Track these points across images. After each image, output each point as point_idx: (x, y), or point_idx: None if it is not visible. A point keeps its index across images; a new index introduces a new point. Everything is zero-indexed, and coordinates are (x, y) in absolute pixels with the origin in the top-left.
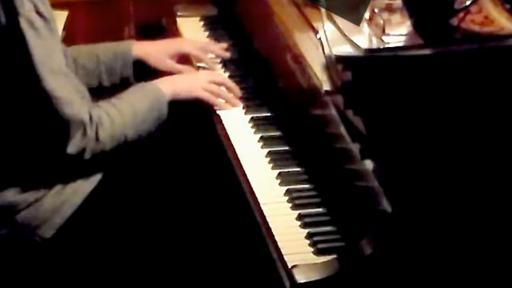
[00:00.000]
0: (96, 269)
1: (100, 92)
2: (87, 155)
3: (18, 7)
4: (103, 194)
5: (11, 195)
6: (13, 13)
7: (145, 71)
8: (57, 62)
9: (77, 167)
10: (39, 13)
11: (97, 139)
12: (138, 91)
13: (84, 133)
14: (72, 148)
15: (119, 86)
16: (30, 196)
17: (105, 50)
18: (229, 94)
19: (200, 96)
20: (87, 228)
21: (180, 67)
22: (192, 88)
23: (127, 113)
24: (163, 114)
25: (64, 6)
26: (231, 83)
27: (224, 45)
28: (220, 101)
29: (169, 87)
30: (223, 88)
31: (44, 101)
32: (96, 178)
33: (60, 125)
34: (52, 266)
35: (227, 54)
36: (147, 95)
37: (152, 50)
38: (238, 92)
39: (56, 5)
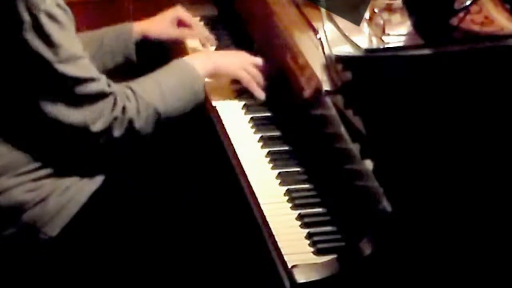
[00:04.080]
0: (101, 267)
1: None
2: (116, 128)
3: (39, 3)
4: (107, 192)
5: (18, 194)
6: (34, 10)
7: (151, 50)
8: (79, 48)
9: (106, 150)
10: (59, 5)
11: (123, 109)
12: (165, 67)
13: (114, 103)
14: (102, 122)
15: (124, 68)
16: (36, 195)
17: (107, 32)
18: (262, 80)
19: (240, 75)
20: (92, 226)
21: (180, 31)
22: (233, 64)
23: (150, 85)
24: (197, 87)
25: None
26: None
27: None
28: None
29: (208, 62)
30: None
31: (73, 85)
32: (101, 177)
33: (92, 102)
34: (57, 264)
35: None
36: (174, 69)
37: (150, 24)
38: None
39: None
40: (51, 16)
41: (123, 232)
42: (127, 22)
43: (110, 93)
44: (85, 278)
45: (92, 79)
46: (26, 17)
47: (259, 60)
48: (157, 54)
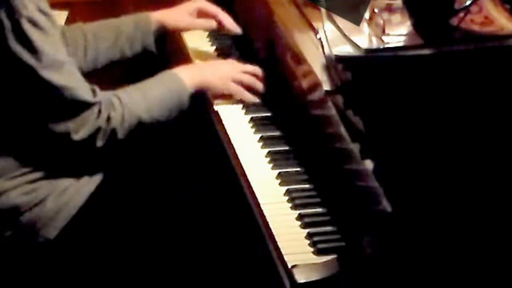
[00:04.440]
0: (100, 268)
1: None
2: (99, 138)
3: (21, 9)
4: (105, 193)
5: (15, 197)
6: (16, 16)
7: (167, 40)
8: (63, 53)
9: (86, 157)
10: (41, 10)
11: (108, 119)
12: (153, 78)
13: (99, 113)
14: (86, 131)
15: (142, 58)
16: (34, 197)
17: (125, 21)
18: (259, 84)
19: (229, 90)
20: (90, 228)
21: (199, 21)
22: (222, 78)
23: (137, 94)
24: (183, 99)
25: (64, 6)
26: (260, 71)
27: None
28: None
29: (196, 76)
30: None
31: (57, 93)
32: (98, 178)
33: (75, 111)
34: (57, 267)
35: (237, 30)
36: (162, 80)
37: (169, 12)
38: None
39: (56, 5)
40: (32, 22)
41: (122, 233)
42: (144, 12)
43: (94, 103)
44: (84, 280)
45: (75, 88)
46: (7, 23)
47: (249, 66)
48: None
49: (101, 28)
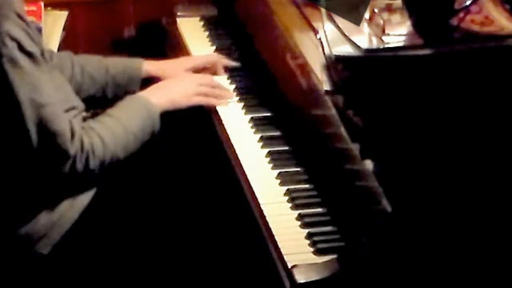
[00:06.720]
0: (95, 283)
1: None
2: (78, 178)
3: (1, 49)
4: (100, 206)
5: (8, 213)
6: None
7: (166, 40)
8: (44, 94)
9: (69, 186)
10: (22, 50)
11: (87, 166)
12: (131, 108)
13: (73, 164)
14: (61, 174)
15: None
16: (26, 212)
17: (115, 63)
18: (219, 91)
19: (196, 102)
20: (84, 242)
21: None
22: (187, 95)
23: (121, 136)
24: (156, 129)
25: (64, 6)
26: (216, 82)
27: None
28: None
29: (164, 98)
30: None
31: (31, 136)
32: (92, 191)
33: (50, 156)
34: (50, 283)
35: (238, 65)
36: (140, 113)
37: (166, 66)
38: (224, 88)
39: (56, 5)
40: (11, 61)
41: (118, 246)
42: (138, 59)
43: (70, 153)
44: None
45: (52, 135)
46: None
47: (206, 77)
48: None
49: (90, 65)
